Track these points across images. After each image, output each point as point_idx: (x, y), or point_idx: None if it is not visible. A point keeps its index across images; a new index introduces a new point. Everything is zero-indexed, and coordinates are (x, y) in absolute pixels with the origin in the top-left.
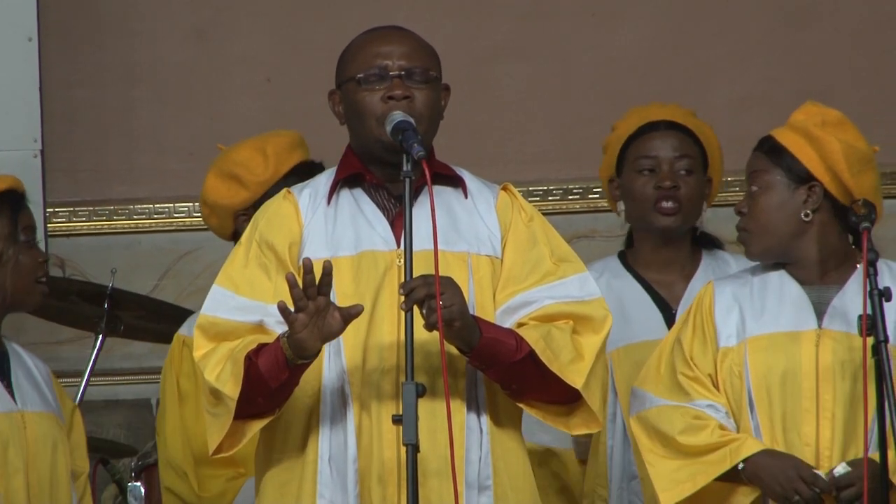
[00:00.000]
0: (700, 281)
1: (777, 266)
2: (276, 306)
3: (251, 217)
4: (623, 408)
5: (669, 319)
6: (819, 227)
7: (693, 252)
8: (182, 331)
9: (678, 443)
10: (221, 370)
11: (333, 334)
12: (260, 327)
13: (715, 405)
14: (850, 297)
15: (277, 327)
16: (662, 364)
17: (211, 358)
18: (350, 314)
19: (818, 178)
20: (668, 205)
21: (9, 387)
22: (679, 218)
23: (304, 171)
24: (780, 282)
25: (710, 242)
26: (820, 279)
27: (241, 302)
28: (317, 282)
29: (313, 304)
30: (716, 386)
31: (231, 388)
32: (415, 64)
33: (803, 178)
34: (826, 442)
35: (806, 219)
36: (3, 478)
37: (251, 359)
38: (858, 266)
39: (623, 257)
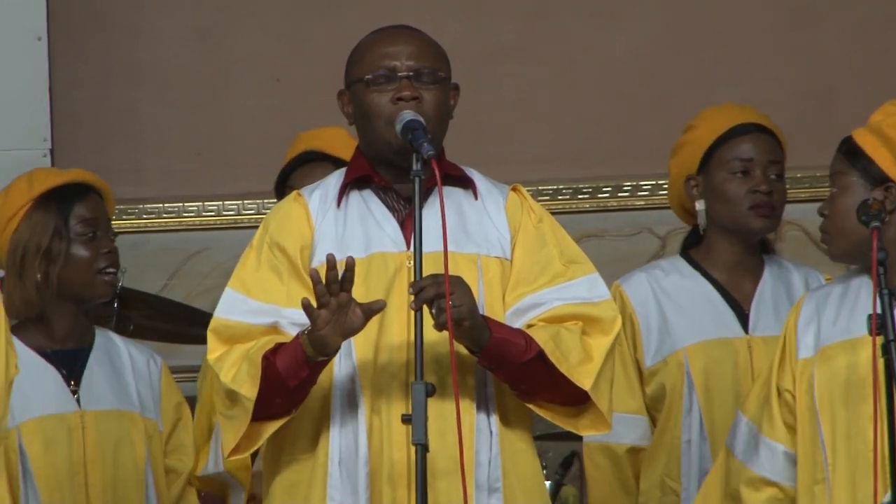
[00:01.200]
0: (769, 283)
1: (862, 272)
2: (288, 309)
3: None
4: (700, 402)
5: (743, 319)
6: None
7: (759, 255)
8: None
9: None
10: (237, 371)
11: (355, 330)
12: (273, 329)
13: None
14: None
15: (291, 329)
16: (757, 387)
17: (226, 360)
18: (372, 310)
19: (894, 180)
20: (764, 209)
21: (77, 385)
22: (773, 221)
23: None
24: (859, 288)
25: (765, 247)
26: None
27: (253, 305)
28: (339, 278)
29: (335, 300)
30: (794, 398)
31: (248, 389)
32: (423, 64)
33: (879, 179)
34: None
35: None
36: (44, 479)
37: (268, 358)
38: None
39: (687, 256)
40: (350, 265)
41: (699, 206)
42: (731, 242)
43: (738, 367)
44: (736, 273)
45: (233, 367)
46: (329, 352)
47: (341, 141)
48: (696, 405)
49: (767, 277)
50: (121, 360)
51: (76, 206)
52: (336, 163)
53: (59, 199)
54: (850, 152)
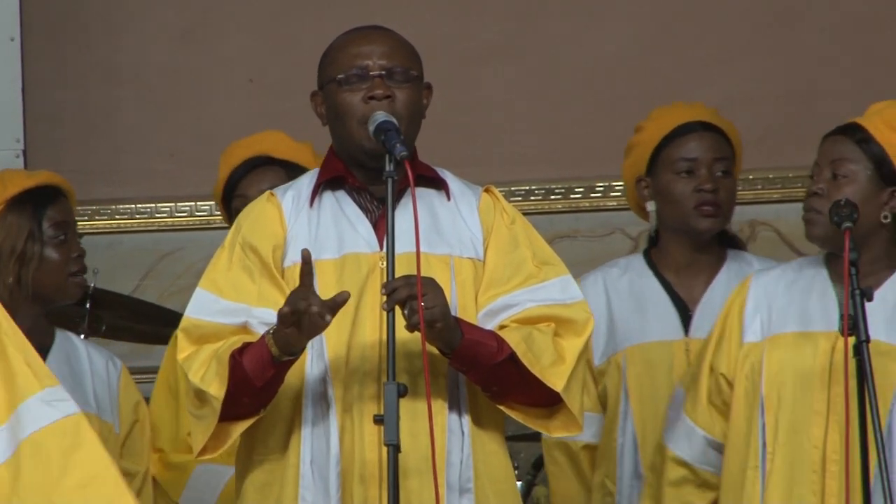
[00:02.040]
0: (722, 283)
1: (820, 264)
2: (259, 308)
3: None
4: (633, 407)
5: (686, 321)
6: (891, 230)
7: (718, 253)
8: None
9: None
10: (206, 371)
11: (320, 329)
12: (244, 329)
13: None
14: (879, 301)
15: (261, 328)
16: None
17: (195, 359)
18: (336, 303)
19: None
20: (709, 208)
21: None
22: (719, 221)
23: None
24: (812, 278)
25: (733, 243)
26: (864, 281)
27: (224, 305)
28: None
29: (306, 303)
30: (730, 384)
31: (216, 389)
32: (395, 63)
33: (889, 180)
34: (833, 445)
35: (885, 220)
36: None
37: (235, 358)
38: None
39: (647, 256)
40: (306, 258)
41: (650, 207)
42: (681, 243)
43: (672, 371)
44: (687, 274)
45: (202, 366)
46: (294, 351)
47: (284, 143)
48: (629, 410)
49: (722, 277)
50: (80, 361)
51: (49, 209)
52: (283, 165)
53: (32, 202)
54: (865, 142)
